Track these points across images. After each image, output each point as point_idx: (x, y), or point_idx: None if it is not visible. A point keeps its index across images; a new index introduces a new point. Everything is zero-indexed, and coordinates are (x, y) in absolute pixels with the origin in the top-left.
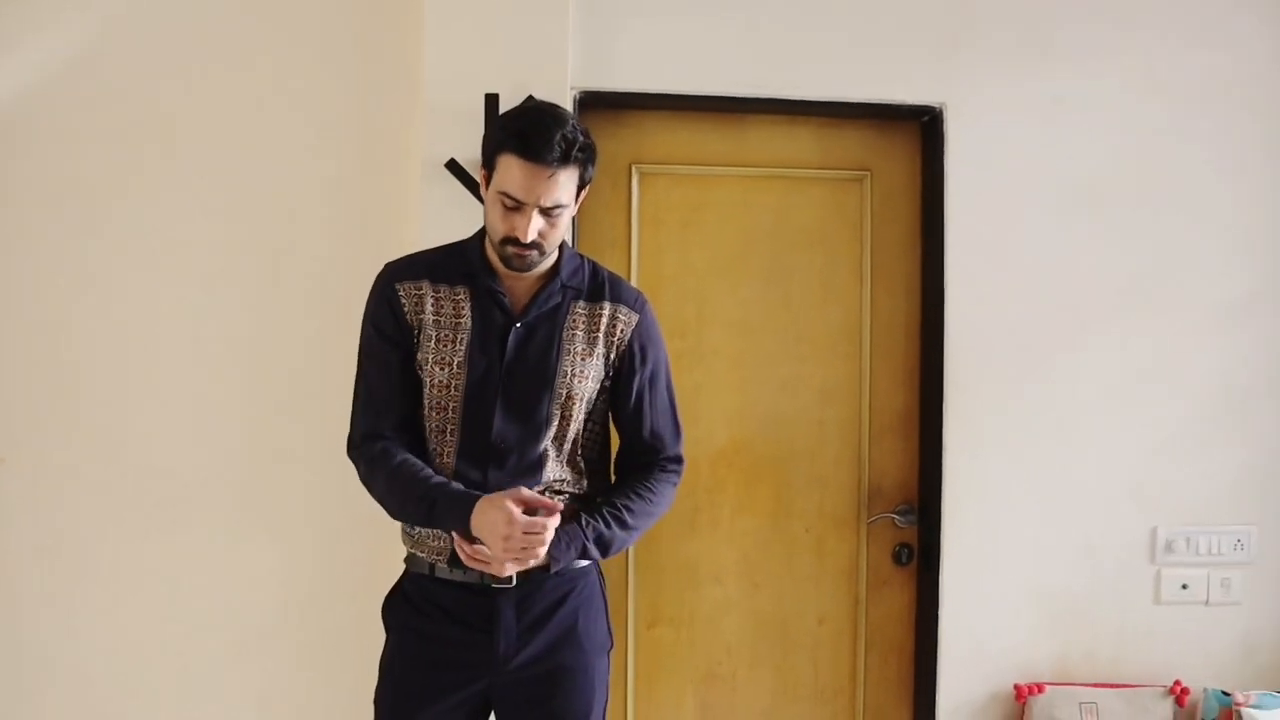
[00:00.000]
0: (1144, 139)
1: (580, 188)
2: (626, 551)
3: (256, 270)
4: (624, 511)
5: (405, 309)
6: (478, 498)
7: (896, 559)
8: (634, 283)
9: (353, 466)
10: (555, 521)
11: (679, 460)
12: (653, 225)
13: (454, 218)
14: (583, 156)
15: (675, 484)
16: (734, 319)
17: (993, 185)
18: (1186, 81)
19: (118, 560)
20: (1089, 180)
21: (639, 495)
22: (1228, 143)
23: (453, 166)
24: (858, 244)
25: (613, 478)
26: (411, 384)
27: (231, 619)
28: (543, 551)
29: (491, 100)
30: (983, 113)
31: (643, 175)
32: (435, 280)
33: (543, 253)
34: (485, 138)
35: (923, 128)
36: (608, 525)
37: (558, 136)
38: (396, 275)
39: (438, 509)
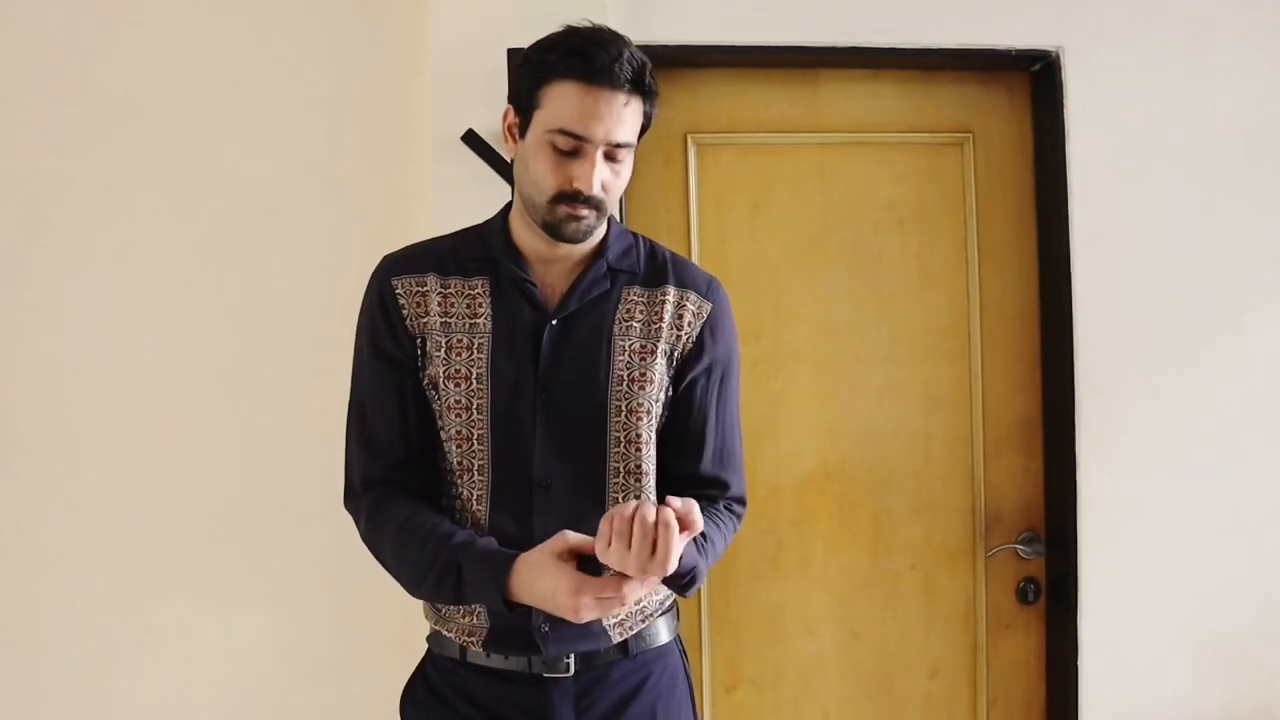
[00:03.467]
0: None
1: (640, 133)
2: (700, 602)
3: (240, 278)
4: (708, 541)
5: (405, 312)
6: (512, 559)
7: (1022, 597)
8: None
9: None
10: (616, 598)
11: (744, 503)
12: (714, 207)
13: (474, 199)
14: (653, 85)
15: (737, 528)
16: (816, 317)
17: (1123, 143)
18: None
19: (86, 635)
20: (1241, 132)
21: (715, 524)
22: None
23: (470, 139)
24: (960, 220)
25: None
26: (420, 411)
27: (221, 703)
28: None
29: (515, 55)
30: (1108, 57)
31: (700, 147)
32: (444, 273)
33: (601, 215)
34: (521, 72)
35: (1033, 78)
36: (700, 548)
37: (626, 55)
38: (395, 269)
39: (465, 581)
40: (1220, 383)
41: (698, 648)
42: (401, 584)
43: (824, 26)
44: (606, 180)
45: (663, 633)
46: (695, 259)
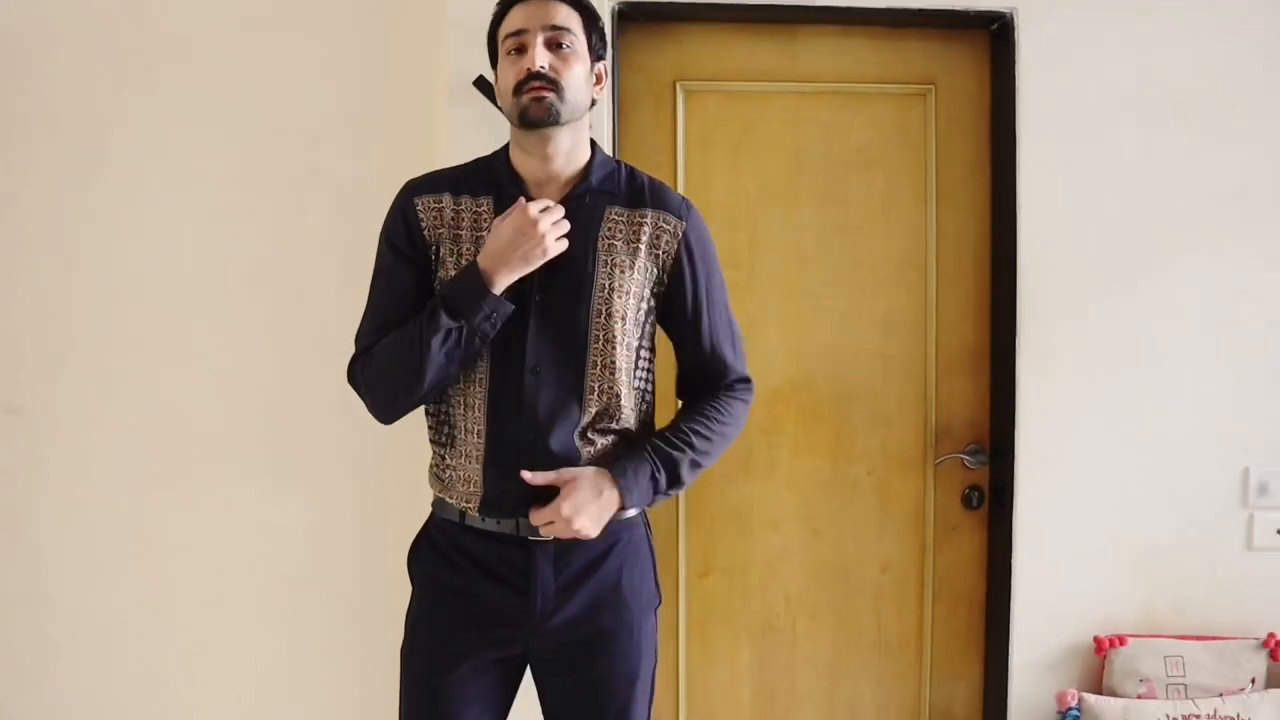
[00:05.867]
0: (1244, 39)
1: (590, 41)
2: (675, 499)
3: (277, 201)
4: (691, 434)
5: (423, 224)
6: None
7: (966, 502)
8: None
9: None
10: (559, 210)
11: (747, 380)
12: (700, 147)
13: (483, 138)
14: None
15: (748, 404)
16: (789, 246)
17: (1070, 97)
18: None
19: (140, 514)
20: (1180, 88)
21: (707, 416)
22: None
23: (481, 84)
24: (921, 164)
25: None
26: (422, 304)
27: (259, 574)
28: (555, 249)
29: None
30: (1058, 17)
31: (688, 93)
32: (457, 193)
33: (561, 98)
34: (489, 32)
35: (992, 36)
36: (676, 448)
37: None
38: (416, 190)
39: (447, 303)
40: (1150, 314)
41: (675, 539)
42: (398, 391)
43: None
44: (554, 63)
45: (630, 510)
46: (682, 192)
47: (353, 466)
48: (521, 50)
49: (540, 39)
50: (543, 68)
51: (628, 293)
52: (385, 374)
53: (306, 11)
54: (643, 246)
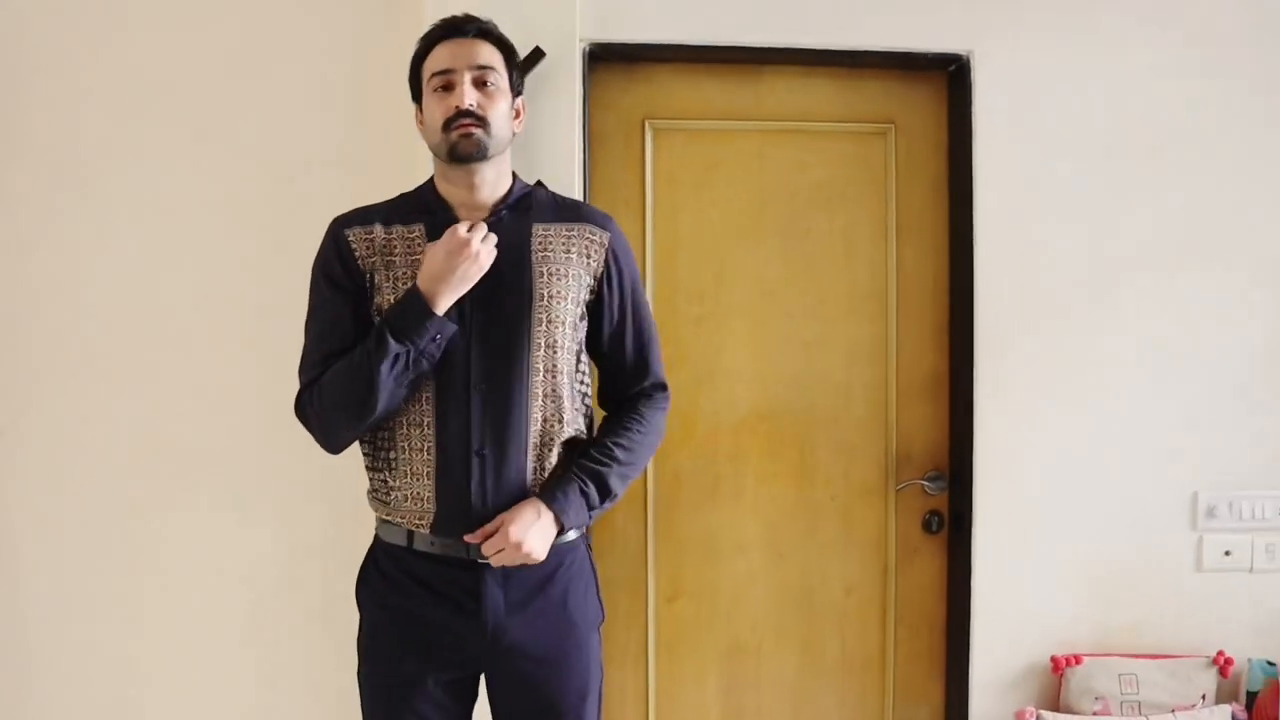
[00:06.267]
0: (1185, 84)
1: (511, 79)
2: (646, 524)
3: (257, 230)
4: (614, 448)
5: (356, 253)
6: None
7: (926, 527)
8: (649, 244)
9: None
10: (484, 228)
11: (665, 387)
12: (668, 183)
13: None
14: (498, 35)
15: (666, 411)
16: (754, 280)
17: (1023, 137)
18: (1233, 23)
19: (121, 533)
20: (1126, 129)
21: (627, 428)
22: (1275, 86)
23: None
24: (882, 199)
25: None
26: (360, 332)
27: (235, 593)
28: (488, 261)
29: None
30: (1012, 61)
31: (656, 131)
32: (388, 222)
33: (489, 133)
34: (410, 69)
35: (949, 77)
36: (601, 463)
37: (466, 18)
38: (346, 223)
39: (391, 326)
40: (1100, 346)
41: (643, 564)
42: (351, 418)
43: (768, 29)
44: (480, 101)
45: (570, 532)
46: (650, 228)
47: (321, 490)
48: (449, 88)
49: (468, 77)
50: (471, 105)
51: (565, 299)
52: (336, 403)
53: (295, 45)
54: (574, 256)
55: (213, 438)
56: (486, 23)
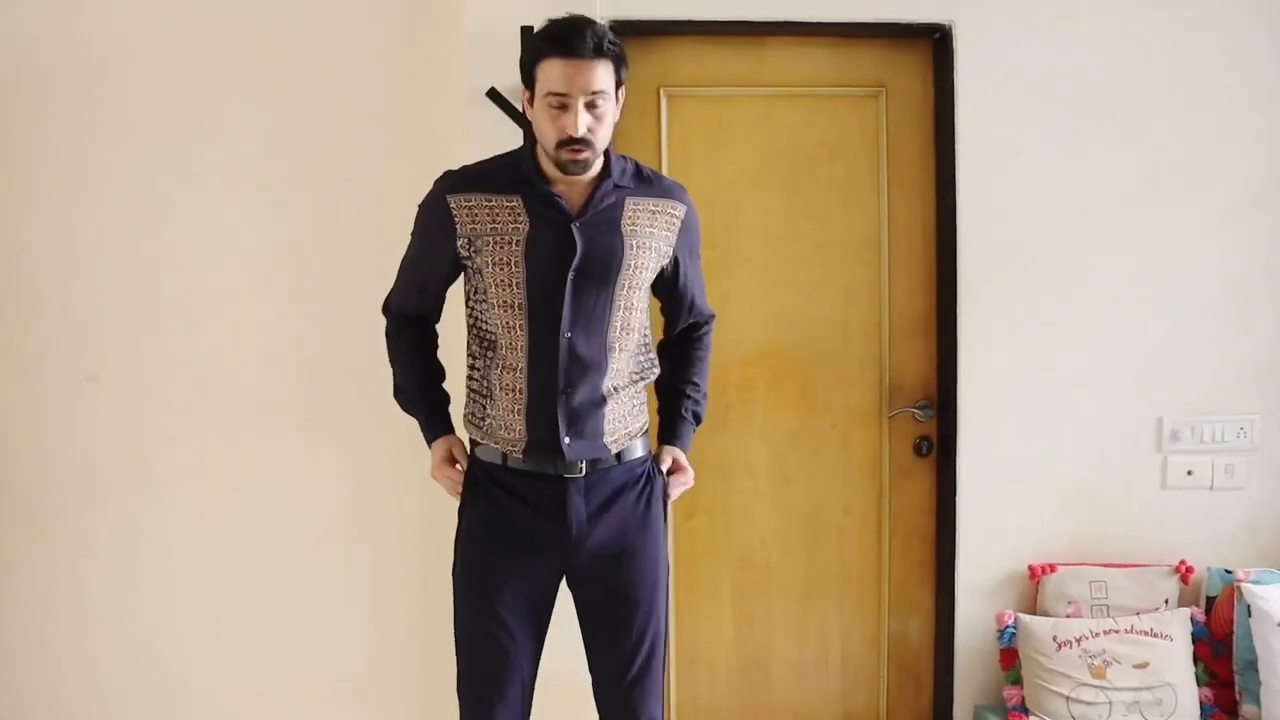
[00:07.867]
0: (1149, 45)
1: (617, 86)
2: None
3: (317, 197)
4: (704, 382)
5: (456, 220)
6: (434, 436)
7: (917, 451)
8: None
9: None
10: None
11: (714, 316)
12: (681, 145)
13: (497, 143)
14: (615, 49)
15: (712, 331)
16: (760, 229)
17: (1001, 98)
18: None
19: (203, 467)
20: (1095, 88)
21: (701, 357)
22: (1233, 45)
23: (493, 95)
24: (875, 157)
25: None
26: (440, 284)
27: (309, 517)
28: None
29: (527, 32)
30: (990, 28)
31: (670, 97)
32: (488, 191)
33: (595, 151)
34: (522, 58)
35: (934, 44)
36: (697, 402)
37: (589, 32)
38: (450, 188)
39: (420, 421)
40: (1071, 286)
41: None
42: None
43: (769, 3)
44: (590, 125)
45: (639, 448)
46: None
47: (389, 424)
48: (563, 108)
49: (581, 103)
50: (584, 134)
51: (647, 268)
52: (391, 363)
53: (338, 29)
54: (658, 230)
55: (285, 377)
56: (602, 34)
